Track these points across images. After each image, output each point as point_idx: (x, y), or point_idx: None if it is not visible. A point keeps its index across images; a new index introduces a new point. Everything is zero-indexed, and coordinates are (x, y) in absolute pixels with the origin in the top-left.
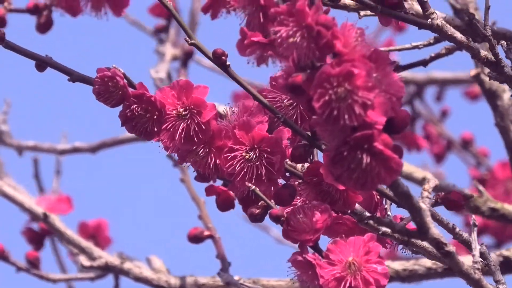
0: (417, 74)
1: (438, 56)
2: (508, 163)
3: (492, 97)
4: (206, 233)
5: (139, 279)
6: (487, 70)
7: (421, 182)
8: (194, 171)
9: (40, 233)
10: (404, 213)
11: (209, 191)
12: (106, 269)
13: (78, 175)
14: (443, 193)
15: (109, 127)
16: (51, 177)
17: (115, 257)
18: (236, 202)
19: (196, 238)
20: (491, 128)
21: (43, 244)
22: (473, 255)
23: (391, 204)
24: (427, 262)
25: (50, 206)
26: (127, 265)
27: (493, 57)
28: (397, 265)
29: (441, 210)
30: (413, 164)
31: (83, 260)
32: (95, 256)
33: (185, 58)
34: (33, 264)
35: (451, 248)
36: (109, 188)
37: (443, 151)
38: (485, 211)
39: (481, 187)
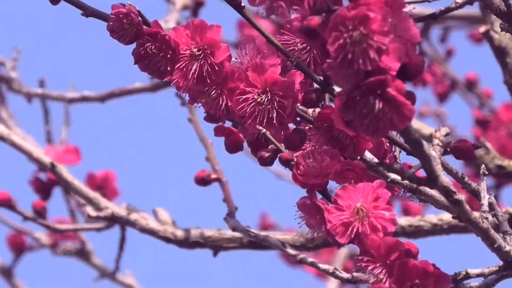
0: (425, 10)
1: (448, 10)
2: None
3: (501, 54)
4: (213, 176)
5: (145, 230)
6: (496, 27)
7: (428, 138)
8: (204, 112)
9: (48, 183)
10: (413, 161)
11: (218, 131)
12: (112, 219)
13: (86, 125)
14: (452, 142)
15: (118, 77)
16: (60, 126)
17: (121, 208)
18: (245, 144)
19: (203, 181)
20: (495, 70)
21: (50, 194)
22: (481, 204)
23: (400, 151)
24: (432, 218)
25: (58, 157)
26: (133, 216)
27: (505, 8)
28: (403, 221)
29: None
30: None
31: (90, 210)
32: (102, 207)
33: (196, 7)
34: (39, 213)
35: (460, 196)
36: (117, 138)
37: (446, 91)
38: (492, 169)
39: (488, 144)
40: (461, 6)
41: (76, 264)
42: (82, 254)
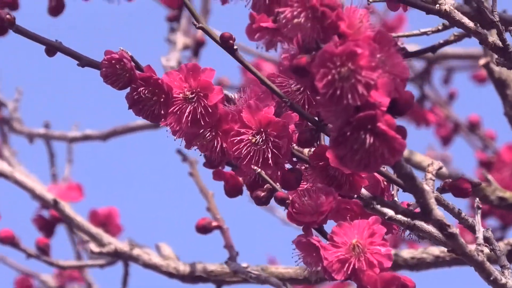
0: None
1: (447, 42)
2: None
3: (501, 86)
4: (214, 223)
5: (148, 265)
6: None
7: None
8: (202, 161)
9: (51, 220)
10: (412, 200)
11: (216, 176)
12: (115, 255)
13: (89, 163)
14: (450, 180)
15: (120, 115)
16: (62, 165)
17: (124, 243)
18: (244, 188)
19: (204, 229)
20: (498, 111)
21: (54, 231)
22: (477, 238)
23: (398, 190)
24: (435, 251)
25: (61, 194)
26: (136, 252)
27: (501, 43)
28: (405, 253)
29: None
30: (420, 146)
31: (93, 246)
32: (105, 243)
33: (196, 47)
34: (43, 250)
35: (454, 229)
36: (119, 176)
37: (449, 133)
38: (493, 200)
39: (489, 176)
40: (459, 39)
41: None
42: None
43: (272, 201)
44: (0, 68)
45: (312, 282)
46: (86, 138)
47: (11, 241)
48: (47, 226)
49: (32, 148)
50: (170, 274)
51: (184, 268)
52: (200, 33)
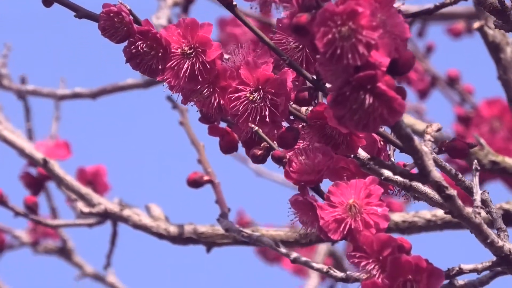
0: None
1: (443, 5)
2: (494, 101)
3: (495, 50)
4: (206, 177)
5: (138, 226)
6: (490, 22)
7: (422, 134)
8: (196, 111)
9: (38, 178)
10: (408, 160)
11: (212, 131)
12: (105, 215)
13: (77, 121)
14: (447, 141)
15: (110, 73)
16: (50, 122)
17: (114, 204)
18: (240, 145)
19: (195, 183)
20: (475, 65)
21: (41, 189)
22: (474, 200)
23: (394, 150)
24: (426, 214)
25: (49, 151)
26: (126, 212)
27: (499, 5)
28: (397, 217)
29: None
30: None
31: (82, 206)
32: (94, 203)
33: (186, 4)
34: (31, 209)
35: (452, 191)
36: (108, 135)
37: (427, 87)
38: (486, 164)
39: (482, 140)
40: (456, 1)
41: (57, 263)
42: (64, 252)
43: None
44: None
45: (302, 244)
46: (75, 96)
47: None
48: (34, 184)
49: (18, 103)
50: (160, 235)
51: (174, 229)
52: None
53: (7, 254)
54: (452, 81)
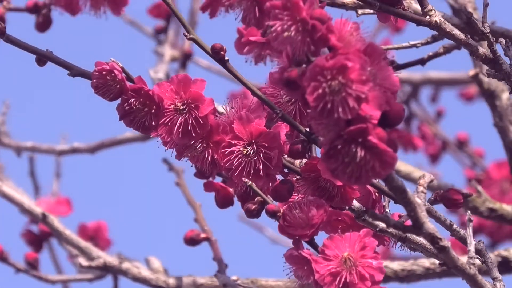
0: (413, 74)
1: (436, 55)
2: (503, 163)
3: (490, 97)
4: (202, 235)
5: (137, 279)
6: (485, 70)
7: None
8: (192, 168)
9: (40, 235)
10: (403, 212)
11: (208, 187)
12: (104, 269)
13: (77, 176)
14: (441, 191)
15: (108, 127)
16: (50, 178)
17: (113, 257)
18: (235, 199)
19: (192, 241)
20: (486, 128)
21: (43, 246)
22: (468, 250)
23: (389, 201)
24: (425, 262)
25: (50, 208)
26: (125, 265)
27: (491, 55)
28: (396, 265)
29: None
30: (408, 164)
31: (82, 260)
32: (94, 256)
33: (184, 59)
34: (32, 265)
35: (446, 243)
36: (107, 189)
37: (438, 151)
38: (483, 212)
39: (479, 187)
40: (448, 51)
41: None
42: None
43: (262, 219)
44: None
45: None
46: (74, 151)
47: (0, 256)
48: (36, 241)
49: (20, 162)
50: None
51: (173, 281)
52: (187, 45)
53: None
54: (462, 145)
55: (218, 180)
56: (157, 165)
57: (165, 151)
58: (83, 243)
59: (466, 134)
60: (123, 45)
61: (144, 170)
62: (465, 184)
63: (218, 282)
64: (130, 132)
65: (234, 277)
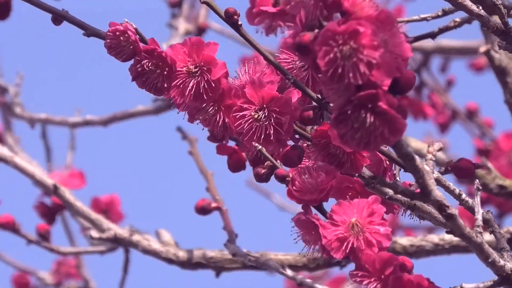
0: (425, 42)
1: (446, 28)
2: None
3: (501, 73)
4: (214, 204)
5: (147, 251)
6: (497, 46)
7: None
8: (205, 138)
9: (52, 207)
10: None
11: (220, 150)
12: (115, 241)
13: (90, 149)
14: (452, 161)
15: (120, 101)
16: (64, 151)
17: (124, 229)
18: (247, 164)
19: (203, 210)
20: (496, 99)
21: (55, 218)
22: (476, 219)
23: (400, 170)
24: (434, 238)
25: (63, 181)
26: (136, 238)
27: (503, 26)
28: (405, 241)
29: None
30: (417, 133)
31: (93, 232)
32: (105, 228)
33: (198, 33)
34: (43, 237)
35: (453, 210)
36: (119, 161)
37: (447, 121)
38: (493, 188)
39: (489, 164)
40: (459, 25)
41: None
42: None
43: (271, 185)
44: (1, 53)
45: (311, 269)
46: (86, 123)
47: (11, 227)
48: (49, 213)
49: (34, 133)
50: (169, 261)
51: (183, 254)
52: (202, 19)
53: None
54: (471, 115)
55: (231, 144)
56: (169, 138)
57: (177, 113)
58: (94, 215)
59: (475, 104)
60: (137, 17)
61: (155, 143)
62: (474, 154)
63: (228, 251)
64: (142, 105)
65: (244, 250)
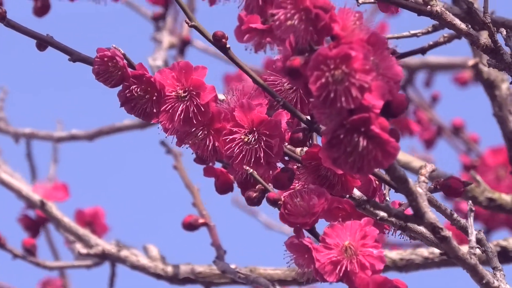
0: (410, 58)
1: (436, 44)
2: (499, 150)
3: (490, 87)
4: (201, 220)
5: (136, 267)
6: (485, 60)
7: (418, 171)
8: (191, 154)
9: (37, 220)
10: (403, 199)
11: (207, 172)
12: (103, 257)
13: (75, 163)
14: (442, 179)
15: (106, 115)
16: (48, 164)
17: (112, 245)
18: (235, 185)
19: (190, 226)
20: (481, 114)
21: (40, 231)
22: (469, 240)
23: (389, 189)
24: (424, 252)
25: (47, 194)
26: (124, 253)
27: (492, 45)
28: (394, 255)
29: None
30: (402, 148)
31: (80, 247)
32: (92, 244)
33: (182, 46)
34: (29, 251)
35: (447, 232)
36: (105, 176)
37: (433, 136)
38: (482, 201)
39: (478, 177)
40: (449, 40)
41: None
42: None
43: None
44: None
45: (301, 284)
46: (72, 138)
47: None
48: (33, 226)
49: (18, 148)
50: (158, 276)
51: (172, 269)
52: (185, 32)
53: None
54: (457, 130)
55: (217, 165)
56: (155, 153)
57: (166, 137)
58: (82, 231)
59: (461, 120)
60: (121, 32)
61: (142, 157)
62: (460, 170)
63: (216, 268)
64: (129, 120)
65: (232, 266)
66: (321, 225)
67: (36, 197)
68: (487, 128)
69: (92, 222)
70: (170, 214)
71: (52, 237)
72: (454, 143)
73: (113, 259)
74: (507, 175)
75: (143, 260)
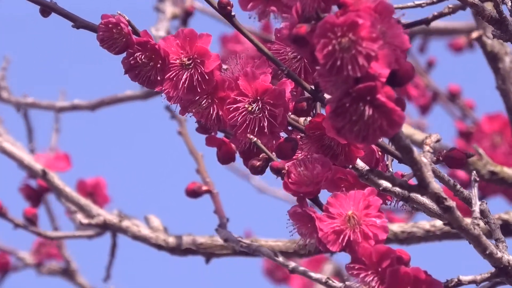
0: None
1: (440, 15)
2: (495, 116)
3: (493, 60)
4: (204, 187)
5: (137, 237)
6: (488, 32)
7: (420, 144)
8: (195, 122)
9: (38, 190)
10: (405, 170)
11: (210, 141)
12: (104, 227)
13: (76, 133)
14: (444, 151)
15: (108, 85)
16: (50, 134)
17: (113, 215)
18: (237, 155)
19: (193, 193)
20: (476, 80)
21: (41, 201)
22: (473, 211)
23: (392, 160)
24: (425, 225)
25: (48, 163)
26: (125, 224)
27: (497, 15)
28: (396, 227)
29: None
30: None
31: (81, 217)
32: (94, 214)
33: (185, 17)
34: (30, 221)
35: (451, 202)
36: (107, 146)
37: (428, 102)
38: (484, 174)
39: (481, 150)
40: (454, 11)
41: (61, 284)
42: (67, 273)
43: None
44: None
45: (301, 255)
46: (74, 108)
47: None
48: (34, 196)
49: (19, 117)
50: (159, 247)
51: (173, 240)
52: (188, 2)
53: (12, 276)
54: (453, 96)
55: (220, 135)
56: (157, 124)
57: (170, 105)
58: (83, 201)
59: (457, 86)
60: (123, 1)
61: (143, 128)
62: (455, 136)
63: (219, 236)
64: (131, 90)
65: (235, 236)
66: (325, 196)
67: (38, 166)
68: (483, 95)
69: (94, 192)
70: (172, 185)
71: (52, 207)
72: (449, 109)
73: (115, 230)
74: (502, 141)
75: (145, 231)
